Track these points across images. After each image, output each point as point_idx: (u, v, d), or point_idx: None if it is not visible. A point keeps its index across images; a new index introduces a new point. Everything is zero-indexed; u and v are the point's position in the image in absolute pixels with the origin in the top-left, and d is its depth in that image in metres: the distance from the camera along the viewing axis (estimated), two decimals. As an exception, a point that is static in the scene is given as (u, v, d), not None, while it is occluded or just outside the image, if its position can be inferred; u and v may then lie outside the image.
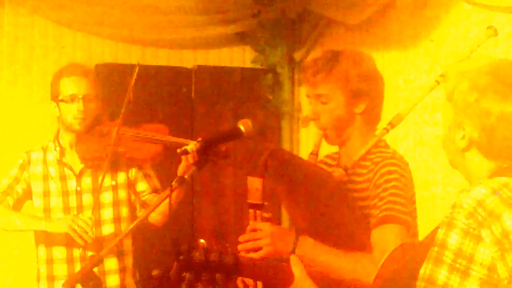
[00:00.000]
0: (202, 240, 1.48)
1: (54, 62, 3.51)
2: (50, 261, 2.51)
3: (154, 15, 3.65)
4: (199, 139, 1.90)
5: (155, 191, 2.56)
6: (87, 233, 2.38)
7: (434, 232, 1.24)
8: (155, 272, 1.97)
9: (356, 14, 3.39)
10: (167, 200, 2.39)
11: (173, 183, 2.26)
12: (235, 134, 1.89)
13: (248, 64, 3.96)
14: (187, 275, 1.41)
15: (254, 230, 1.69)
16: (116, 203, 2.52)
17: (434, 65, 2.96)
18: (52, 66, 3.53)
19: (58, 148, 2.54)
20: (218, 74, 3.87)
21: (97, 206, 2.46)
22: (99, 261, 1.82)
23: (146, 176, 2.57)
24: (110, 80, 3.47)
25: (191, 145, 1.85)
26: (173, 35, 3.75)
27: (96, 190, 2.47)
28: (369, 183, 1.76)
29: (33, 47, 3.50)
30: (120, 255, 2.52)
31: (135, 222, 2.17)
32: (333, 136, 1.85)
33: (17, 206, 2.57)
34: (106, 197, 2.51)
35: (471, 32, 2.90)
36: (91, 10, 3.51)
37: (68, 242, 2.45)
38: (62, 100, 2.48)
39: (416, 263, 1.22)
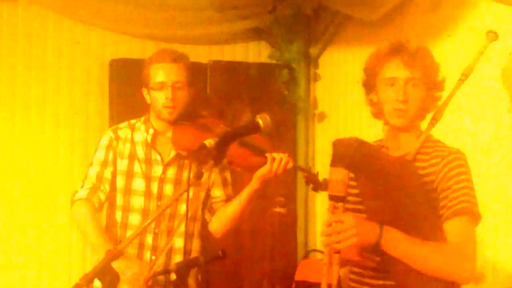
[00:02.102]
0: None
1: (68, 57, 3.56)
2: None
3: (169, 11, 3.65)
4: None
5: (227, 199, 2.45)
6: None
7: None
8: (171, 267, 1.97)
9: (373, 10, 3.37)
10: (236, 210, 2.38)
11: (191, 177, 2.27)
12: (253, 129, 1.88)
13: (264, 60, 3.96)
14: None
15: (338, 222, 1.66)
16: (192, 202, 2.40)
17: (452, 61, 2.93)
18: (66, 61, 3.58)
19: (151, 131, 2.41)
20: (234, 69, 3.86)
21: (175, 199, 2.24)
22: (117, 256, 1.81)
23: (224, 183, 2.47)
24: (124, 75, 3.49)
25: (210, 140, 1.83)
26: (188, 31, 3.75)
27: (178, 182, 2.38)
28: (435, 175, 1.78)
29: (47, 43, 3.51)
30: (187, 254, 2.41)
31: (156, 214, 2.17)
32: (410, 120, 1.84)
33: (105, 203, 2.46)
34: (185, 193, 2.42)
35: (489, 27, 2.88)
36: (106, 6, 3.52)
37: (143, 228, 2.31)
38: (152, 88, 2.37)
39: None
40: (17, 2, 3.42)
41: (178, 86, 2.35)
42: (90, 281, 1.65)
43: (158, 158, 2.41)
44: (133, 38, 3.65)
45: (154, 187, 2.39)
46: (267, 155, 2.25)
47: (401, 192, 1.75)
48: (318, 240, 3.93)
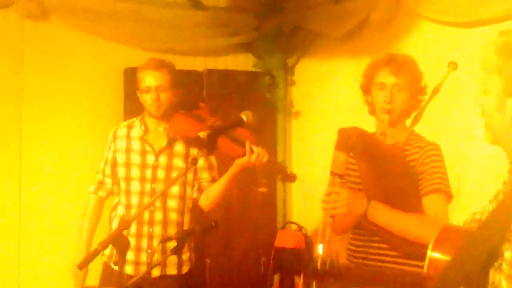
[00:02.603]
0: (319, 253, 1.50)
1: (89, 66, 3.53)
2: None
3: (173, 29, 3.65)
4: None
5: (213, 180, 2.48)
6: None
7: (496, 215, 1.14)
8: (171, 235, 1.98)
9: (337, 29, 3.42)
10: (219, 189, 2.39)
11: (188, 162, 2.28)
12: (238, 123, 1.90)
13: (250, 68, 3.92)
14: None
15: (335, 193, 1.70)
16: (183, 183, 2.44)
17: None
18: (87, 70, 3.54)
19: (143, 127, 2.47)
20: (225, 76, 3.83)
21: (169, 181, 2.37)
22: (128, 226, 1.83)
23: (210, 166, 2.49)
24: (136, 81, 3.47)
25: (203, 132, 1.85)
26: (187, 45, 3.74)
27: (169, 168, 2.41)
28: (415, 162, 1.82)
29: (72, 54, 3.45)
30: (179, 225, 2.42)
31: (158, 194, 2.18)
32: (397, 119, 1.88)
33: (106, 198, 2.54)
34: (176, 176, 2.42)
35: (432, 45, 2.91)
36: (122, 24, 3.52)
37: (141, 207, 2.37)
38: (141, 91, 2.43)
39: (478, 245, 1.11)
40: (48, 21, 3.40)
41: (161, 89, 2.39)
42: (106, 246, 1.67)
43: (150, 149, 2.44)
44: (142, 51, 3.65)
45: (149, 173, 2.43)
46: (246, 147, 2.25)
47: (392, 173, 1.78)
48: (293, 214, 3.97)
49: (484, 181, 2.72)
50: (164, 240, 2.06)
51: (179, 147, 2.43)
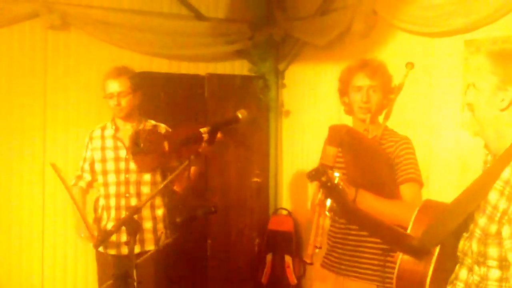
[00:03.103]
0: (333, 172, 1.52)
1: (104, 71, 3.48)
2: (108, 208, 2.50)
3: (178, 37, 3.64)
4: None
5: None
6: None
7: (467, 193, 1.18)
8: (178, 219, 1.99)
9: (322, 38, 3.41)
10: (187, 173, 2.40)
11: (192, 156, 2.28)
12: (234, 120, 1.90)
13: (245, 73, 3.90)
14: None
15: None
16: (154, 172, 2.49)
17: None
18: (103, 74, 3.53)
19: (113, 127, 2.53)
20: (224, 80, 3.82)
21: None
22: (138, 211, 1.82)
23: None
24: (145, 84, 3.46)
25: (204, 129, 1.85)
26: (191, 51, 3.73)
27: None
28: (391, 154, 1.84)
29: (90, 61, 3.43)
30: (152, 208, 2.50)
31: (162, 185, 2.18)
32: (374, 117, 1.90)
33: (88, 189, 2.59)
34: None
35: (406, 51, 2.91)
36: (133, 33, 3.50)
37: (118, 195, 2.45)
38: (106, 97, 2.47)
39: (450, 218, 1.15)
40: (68, 31, 3.37)
41: (123, 95, 2.42)
42: (119, 228, 1.66)
43: (121, 144, 2.49)
44: (152, 57, 3.64)
45: (122, 165, 2.47)
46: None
47: (375, 164, 1.79)
48: (283, 201, 3.98)
49: (449, 171, 2.74)
50: (173, 222, 2.05)
51: None
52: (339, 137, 1.65)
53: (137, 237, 1.81)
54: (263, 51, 3.85)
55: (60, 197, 3.27)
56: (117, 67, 2.51)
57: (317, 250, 1.48)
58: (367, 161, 1.76)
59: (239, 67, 3.94)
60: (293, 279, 3.63)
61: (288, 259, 3.66)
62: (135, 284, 1.53)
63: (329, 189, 1.46)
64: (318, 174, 1.47)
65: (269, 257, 3.74)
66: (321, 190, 1.52)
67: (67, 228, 3.30)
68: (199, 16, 3.69)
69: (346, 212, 1.49)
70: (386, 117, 1.91)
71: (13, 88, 3.26)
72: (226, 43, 3.76)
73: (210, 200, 2.55)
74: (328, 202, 1.48)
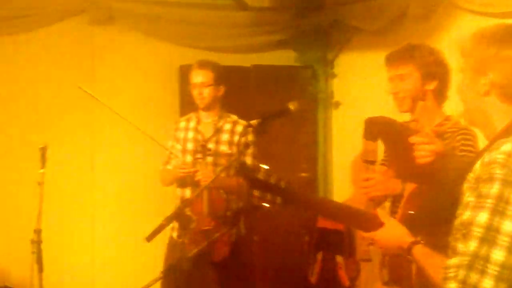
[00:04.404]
0: (264, 166, 1.53)
1: (149, 64, 3.57)
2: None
3: (221, 29, 3.68)
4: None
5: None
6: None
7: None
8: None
9: (375, 23, 3.32)
10: None
11: (241, 147, 2.31)
12: (286, 112, 1.91)
13: (292, 63, 3.91)
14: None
15: (368, 179, 1.72)
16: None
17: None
18: (148, 68, 3.59)
19: (196, 119, 2.68)
20: (269, 71, 3.83)
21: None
22: (188, 205, 1.87)
23: (254, 157, 2.61)
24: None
25: (254, 121, 1.88)
26: (235, 43, 3.77)
27: (217, 154, 2.58)
28: (448, 146, 1.78)
29: (135, 55, 3.55)
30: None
31: (218, 173, 2.25)
32: (406, 105, 1.87)
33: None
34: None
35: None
36: (176, 26, 3.57)
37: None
38: (191, 87, 2.63)
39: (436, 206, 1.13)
40: (113, 26, 3.47)
41: (205, 85, 2.59)
42: (170, 221, 1.71)
43: (201, 137, 2.63)
44: (197, 49, 3.69)
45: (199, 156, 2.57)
46: None
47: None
48: (334, 197, 3.94)
49: None
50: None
51: (225, 136, 2.61)
52: (376, 130, 1.63)
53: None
54: (310, 40, 3.79)
55: (109, 187, 3.41)
56: (200, 60, 2.69)
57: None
58: (410, 153, 1.69)
59: (285, 57, 3.88)
60: (345, 281, 3.59)
61: (340, 259, 3.63)
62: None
63: (253, 181, 1.44)
64: (241, 170, 1.47)
65: (319, 256, 3.72)
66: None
67: (116, 221, 3.43)
68: (241, 5, 3.67)
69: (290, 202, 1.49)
70: (439, 105, 1.84)
71: (62, 84, 3.36)
72: (270, 33, 3.76)
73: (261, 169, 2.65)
74: None
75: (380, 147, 1.78)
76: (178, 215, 1.71)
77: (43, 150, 2.71)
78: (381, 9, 3.25)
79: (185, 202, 1.75)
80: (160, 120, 3.58)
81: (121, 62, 3.49)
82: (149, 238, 1.76)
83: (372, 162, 1.64)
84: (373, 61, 3.54)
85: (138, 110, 3.53)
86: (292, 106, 1.89)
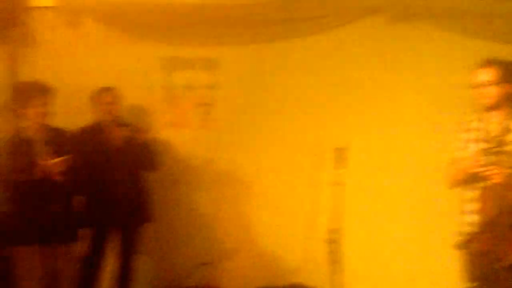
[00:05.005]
0: None
1: (454, 62, 3.34)
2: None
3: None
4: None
5: None
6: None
7: None
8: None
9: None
10: None
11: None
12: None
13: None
14: None
15: None
16: None
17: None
18: (446, 65, 3.38)
19: (483, 119, 2.56)
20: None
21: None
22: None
23: None
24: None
25: None
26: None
27: (503, 154, 2.42)
28: None
29: (434, 51, 3.41)
30: None
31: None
32: None
33: None
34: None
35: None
36: (483, 21, 3.27)
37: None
38: (473, 87, 2.52)
39: None
40: (412, 24, 3.40)
41: (488, 84, 2.48)
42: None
43: (486, 137, 2.49)
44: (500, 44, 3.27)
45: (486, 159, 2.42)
46: None
47: None
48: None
49: None
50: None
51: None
52: None
53: None
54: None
55: (404, 186, 3.40)
56: (489, 58, 2.54)
57: None
58: None
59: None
60: None
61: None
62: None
63: None
64: None
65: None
66: None
67: (413, 222, 3.38)
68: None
69: None
70: None
71: (358, 85, 3.46)
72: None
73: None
74: None
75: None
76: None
77: (340, 151, 2.84)
78: None
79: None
80: (453, 119, 3.39)
81: (411, 57, 3.44)
82: (460, 247, 1.67)
83: None
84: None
85: (437, 108, 3.40)
86: None
